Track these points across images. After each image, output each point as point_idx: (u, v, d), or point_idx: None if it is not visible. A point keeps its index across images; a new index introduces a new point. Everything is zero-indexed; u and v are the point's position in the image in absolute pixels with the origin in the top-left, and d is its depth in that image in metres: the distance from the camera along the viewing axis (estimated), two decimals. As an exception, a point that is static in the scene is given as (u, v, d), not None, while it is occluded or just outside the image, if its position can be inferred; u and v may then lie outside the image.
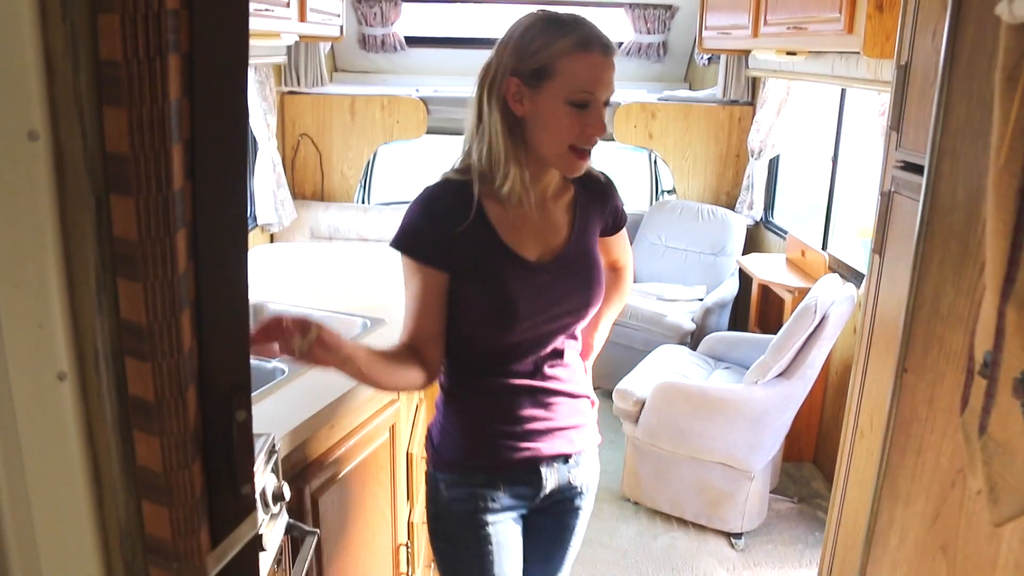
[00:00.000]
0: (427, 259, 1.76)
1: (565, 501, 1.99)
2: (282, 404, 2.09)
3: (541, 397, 1.88)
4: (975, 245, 1.13)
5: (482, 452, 1.89)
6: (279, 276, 3.46)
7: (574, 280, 1.85)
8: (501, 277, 1.77)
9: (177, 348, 0.79)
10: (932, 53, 2.13)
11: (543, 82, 1.67)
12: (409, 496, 2.66)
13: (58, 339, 0.81)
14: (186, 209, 0.79)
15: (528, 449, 1.88)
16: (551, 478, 1.93)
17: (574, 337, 1.93)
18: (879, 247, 2.32)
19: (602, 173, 1.96)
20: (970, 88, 1.14)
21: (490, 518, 1.89)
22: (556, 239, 1.85)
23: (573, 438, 1.94)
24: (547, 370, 1.88)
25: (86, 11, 0.76)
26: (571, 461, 1.95)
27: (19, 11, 0.76)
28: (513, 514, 1.93)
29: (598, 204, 1.94)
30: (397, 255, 1.80)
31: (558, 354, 1.89)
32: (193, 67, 0.78)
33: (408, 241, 1.77)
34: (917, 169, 2.15)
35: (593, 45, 1.66)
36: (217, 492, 0.87)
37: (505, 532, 1.91)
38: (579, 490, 2.00)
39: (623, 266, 2.17)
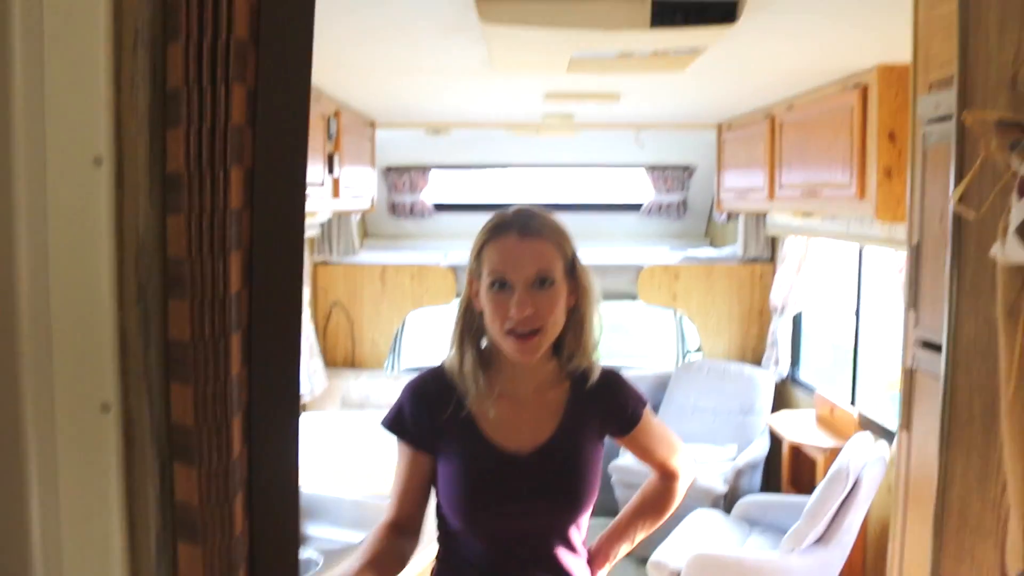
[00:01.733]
0: (411, 441, 1.81)
1: None
2: (317, 598, 2.10)
3: None
4: (996, 461, 1.15)
5: None
6: (310, 451, 3.50)
7: (554, 477, 1.80)
8: (474, 462, 1.78)
9: (233, 607, 0.84)
10: (941, 236, 2.20)
11: (480, 273, 1.74)
12: None
13: (120, 599, 0.85)
14: (243, 475, 0.85)
15: None
16: None
17: (569, 542, 1.84)
18: (907, 423, 2.33)
19: (609, 371, 1.90)
20: (976, 307, 1.20)
21: None
22: (541, 434, 1.81)
23: None
24: (533, 573, 1.81)
25: (158, 295, 0.85)
26: None
27: (99, 294, 0.85)
28: None
29: (597, 404, 1.87)
30: None
31: (547, 557, 1.81)
32: (252, 342, 0.86)
33: (395, 422, 1.83)
34: (937, 348, 2.19)
35: (505, 229, 1.73)
36: None
37: None
38: None
39: (674, 471, 2.01)
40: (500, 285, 1.70)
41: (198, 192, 0.82)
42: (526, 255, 1.70)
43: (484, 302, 1.74)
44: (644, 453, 2.00)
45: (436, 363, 1.89)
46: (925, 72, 2.31)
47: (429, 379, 1.85)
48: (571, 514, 1.82)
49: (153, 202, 0.84)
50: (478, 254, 1.76)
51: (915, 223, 2.36)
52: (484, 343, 1.82)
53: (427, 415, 1.80)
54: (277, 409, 0.87)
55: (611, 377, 1.91)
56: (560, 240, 1.76)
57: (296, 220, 0.86)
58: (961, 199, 1.14)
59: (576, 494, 1.81)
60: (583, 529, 1.88)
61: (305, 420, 4.20)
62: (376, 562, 1.76)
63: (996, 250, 1.00)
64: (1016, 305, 1.01)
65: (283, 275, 0.85)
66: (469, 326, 1.82)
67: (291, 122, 0.84)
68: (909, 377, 2.28)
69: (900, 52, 2.72)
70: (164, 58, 0.82)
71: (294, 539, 0.88)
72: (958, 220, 1.21)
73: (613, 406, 1.90)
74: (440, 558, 1.90)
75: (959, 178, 1.18)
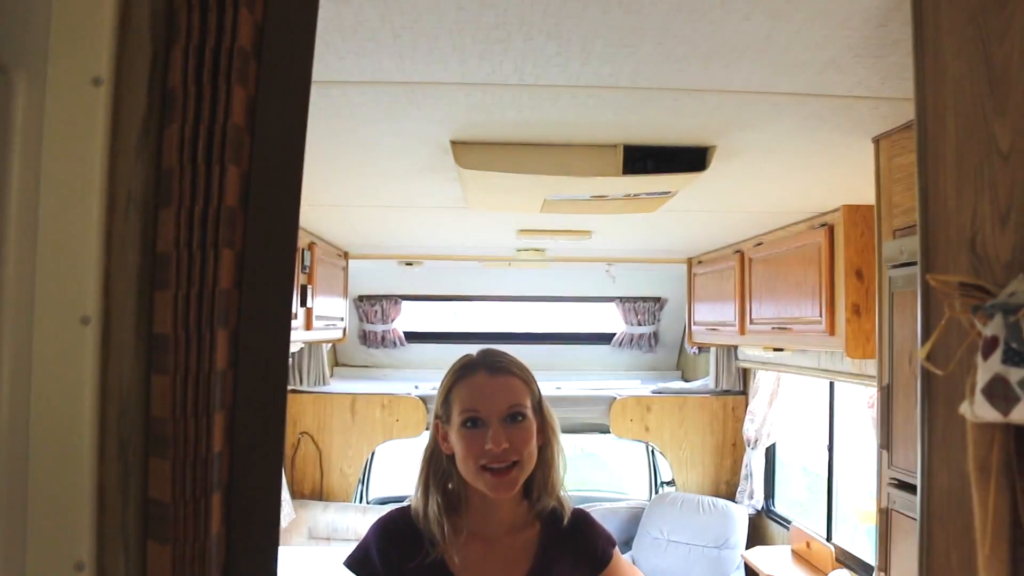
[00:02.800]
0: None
1: None
2: None
3: None
4: (976, 617, 1.15)
5: None
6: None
7: None
8: None
9: None
10: (911, 376, 2.24)
11: (449, 415, 1.77)
12: None
13: None
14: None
15: None
16: None
17: None
18: (884, 565, 2.32)
19: (579, 512, 1.90)
20: (949, 458, 1.22)
21: None
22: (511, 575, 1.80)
23: None
24: None
25: (140, 453, 0.85)
26: None
27: (80, 450, 0.84)
28: None
29: (568, 546, 1.86)
30: None
31: None
32: (232, 500, 0.85)
33: (361, 563, 1.79)
34: (911, 488, 2.20)
35: (474, 368, 1.77)
36: None
37: None
38: None
39: None
40: (473, 423, 1.72)
41: (184, 353, 0.83)
42: (497, 391, 1.74)
43: (456, 442, 1.75)
44: None
45: (404, 503, 1.87)
46: (889, 218, 2.40)
47: (399, 519, 1.83)
48: None
49: (139, 361, 0.85)
50: (446, 397, 1.78)
51: (885, 364, 2.41)
52: (451, 486, 1.81)
53: (395, 557, 1.77)
54: (256, 569, 0.86)
55: (581, 518, 1.90)
56: (526, 378, 1.80)
57: (279, 380, 0.87)
58: (928, 356, 1.17)
59: None
60: None
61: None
62: None
63: (965, 409, 1.02)
64: (987, 462, 1.03)
65: (265, 434, 0.86)
66: (436, 471, 1.81)
67: (276, 285, 0.86)
68: (885, 517, 2.28)
69: (864, 193, 2.82)
70: (155, 221, 0.85)
71: None
72: (927, 374, 1.24)
73: (584, 548, 1.88)
74: None
75: (926, 333, 1.22)
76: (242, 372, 0.86)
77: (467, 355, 1.82)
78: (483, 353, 1.82)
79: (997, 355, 0.99)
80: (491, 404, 1.73)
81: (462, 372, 1.78)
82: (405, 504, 1.86)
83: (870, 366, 3.90)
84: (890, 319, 2.42)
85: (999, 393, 0.99)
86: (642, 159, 2.30)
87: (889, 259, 2.35)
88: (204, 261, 0.82)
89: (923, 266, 1.17)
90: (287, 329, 0.88)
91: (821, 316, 3.82)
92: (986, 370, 0.99)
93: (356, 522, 5.37)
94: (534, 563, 1.81)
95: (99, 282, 0.86)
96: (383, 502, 6.01)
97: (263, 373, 0.86)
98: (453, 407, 1.76)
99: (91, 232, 0.86)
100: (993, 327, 0.99)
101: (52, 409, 0.86)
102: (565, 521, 1.85)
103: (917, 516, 1.29)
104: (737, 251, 4.87)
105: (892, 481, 2.30)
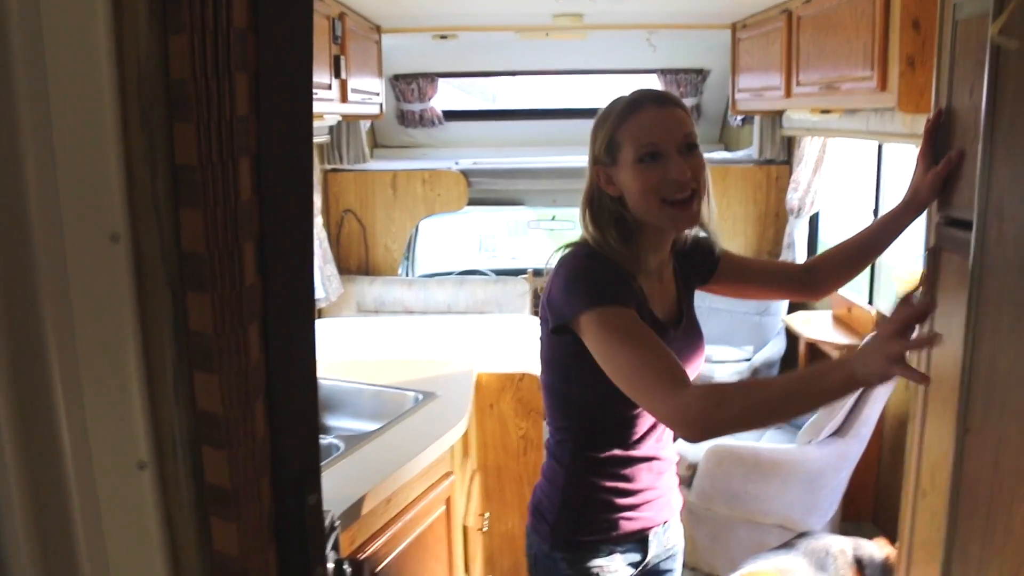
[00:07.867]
0: (634, 302, 1.73)
1: (662, 562, 2.01)
2: (339, 480, 2.11)
3: (654, 466, 1.91)
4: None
5: (604, 526, 1.88)
6: (330, 351, 3.51)
7: (690, 345, 1.90)
8: None
9: (251, 436, 0.83)
10: (970, 110, 2.14)
11: (615, 157, 1.73)
12: (467, 569, 2.66)
13: (138, 430, 0.84)
14: (257, 303, 0.83)
15: (643, 519, 1.91)
16: (655, 543, 1.95)
17: None
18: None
19: (689, 235, 1.95)
20: (1014, 146, 1.15)
21: None
22: (672, 304, 1.89)
23: (672, 503, 1.99)
24: (661, 438, 1.90)
25: (163, 120, 0.81)
26: (668, 524, 1.98)
27: (103, 119, 0.81)
28: None
29: (693, 264, 1.96)
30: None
31: None
32: (262, 167, 0.83)
33: (610, 293, 1.69)
34: (962, 225, 2.14)
35: (642, 102, 1.72)
36: (291, 575, 0.89)
37: None
38: (673, 552, 2.02)
39: (789, 265, 2.08)
40: (651, 156, 1.69)
41: (200, 7, 0.78)
42: (671, 121, 1.71)
43: (630, 179, 1.72)
44: (755, 273, 2.18)
45: (571, 251, 1.82)
46: (954, -63, 2.22)
47: (597, 255, 1.77)
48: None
49: (153, 23, 0.80)
50: (610, 139, 1.73)
51: (942, 100, 2.30)
52: (620, 226, 1.78)
53: (626, 279, 1.74)
54: (290, 235, 0.84)
55: (693, 238, 1.97)
56: (688, 110, 1.78)
57: (304, 42, 0.83)
58: (1001, 32, 1.09)
59: (702, 358, 1.97)
60: None
61: (322, 325, 4.21)
62: None
63: None
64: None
65: (291, 98, 0.82)
66: (599, 214, 1.77)
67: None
68: (933, 257, 2.24)
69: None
70: None
71: (311, 364, 0.87)
72: (995, 63, 1.17)
73: (701, 257, 1.99)
74: (579, 468, 1.88)
75: (998, 8, 1.13)
76: (263, 34, 0.81)
77: (621, 97, 1.77)
78: (640, 91, 1.76)
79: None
80: (668, 134, 1.70)
81: (628, 110, 1.72)
82: (581, 254, 1.80)
83: (921, 124, 3.75)
84: (951, 54, 2.29)
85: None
86: None
87: (954, -19, 2.19)
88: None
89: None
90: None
91: (872, 71, 3.65)
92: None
93: (402, 295, 5.49)
94: (678, 288, 1.92)
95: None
96: (431, 277, 6.09)
97: (286, 34, 0.81)
98: (623, 146, 1.71)
99: None
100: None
101: (70, 81, 0.82)
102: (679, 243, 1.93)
103: (975, 211, 1.26)
104: (784, 11, 4.63)
105: (942, 219, 2.25)
